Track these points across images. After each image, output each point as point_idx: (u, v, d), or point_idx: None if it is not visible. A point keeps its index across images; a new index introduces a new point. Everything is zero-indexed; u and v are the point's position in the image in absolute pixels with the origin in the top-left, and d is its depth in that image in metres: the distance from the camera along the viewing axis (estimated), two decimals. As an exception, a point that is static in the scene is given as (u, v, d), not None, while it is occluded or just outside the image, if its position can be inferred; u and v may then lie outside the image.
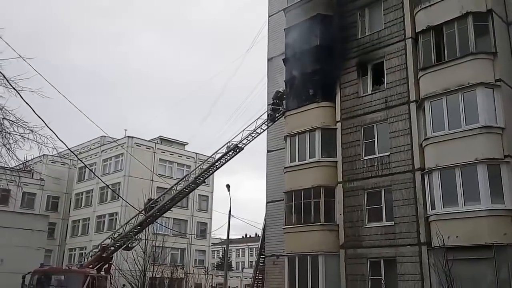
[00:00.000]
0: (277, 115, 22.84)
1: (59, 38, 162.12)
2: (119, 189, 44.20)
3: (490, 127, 15.97)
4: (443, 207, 16.21)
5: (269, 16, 26.04)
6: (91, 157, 50.23)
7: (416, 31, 18.63)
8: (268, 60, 25.44)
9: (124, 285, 21.60)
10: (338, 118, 20.60)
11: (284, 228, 20.98)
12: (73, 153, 20.85)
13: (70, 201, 51.51)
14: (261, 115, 23.49)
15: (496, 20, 17.20)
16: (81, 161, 39.94)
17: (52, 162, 50.26)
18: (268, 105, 23.63)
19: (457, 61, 16.99)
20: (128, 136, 47.65)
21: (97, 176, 42.98)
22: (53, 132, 10.56)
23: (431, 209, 16.68)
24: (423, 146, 17.52)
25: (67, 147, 12.77)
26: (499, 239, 14.90)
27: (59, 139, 11.16)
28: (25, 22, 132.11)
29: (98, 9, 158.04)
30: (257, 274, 31.00)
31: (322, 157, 20.49)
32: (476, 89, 16.33)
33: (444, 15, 17.61)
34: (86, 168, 44.26)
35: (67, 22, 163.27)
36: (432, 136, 17.12)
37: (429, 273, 16.17)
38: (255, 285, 31.11)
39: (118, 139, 47.19)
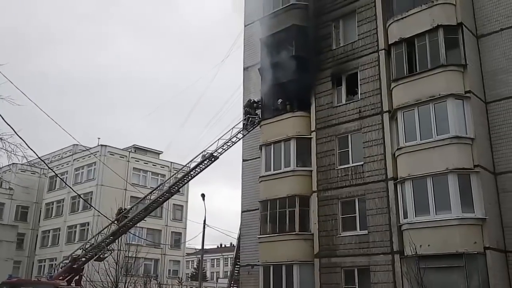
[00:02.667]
0: (254, 122, 22.85)
1: (39, 42, 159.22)
2: (91, 198, 43.42)
3: (460, 137, 16.34)
4: (415, 216, 16.46)
5: (245, 26, 26.12)
6: (62, 166, 49.25)
7: (389, 43, 18.99)
8: (244, 69, 25.50)
9: (95, 297, 21.13)
10: (313, 128, 20.76)
11: (259, 238, 20.93)
12: (44, 161, 20.35)
13: (40, 211, 50.31)
14: (237, 124, 23.48)
15: (466, 33, 17.69)
16: (51, 170, 39.03)
17: (21, 171, 49.04)
18: (243, 114, 23.65)
19: (428, 73, 17.37)
20: (101, 145, 46.95)
21: (68, 186, 42.14)
22: (23, 140, 10.33)
23: (404, 218, 16.91)
24: (395, 156, 17.79)
25: (37, 155, 12.48)
26: (470, 247, 15.20)
27: (29, 147, 10.91)
28: (3, 26, 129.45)
29: (76, 15, 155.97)
30: (232, 284, 30.79)
31: (297, 166, 20.57)
32: (447, 100, 16.72)
33: (416, 28, 18.02)
34: (57, 177, 43.27)
35: (49, 26, 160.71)
36: (405, 146, 17.40)
37: (402, 281, 16.33)
38: (229, 295, 30.88)
39: (91, 148, 46.43)
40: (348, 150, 19.56)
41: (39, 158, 14.07)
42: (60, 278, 21.16)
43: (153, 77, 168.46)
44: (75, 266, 22.41)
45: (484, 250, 15.29)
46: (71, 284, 21.65)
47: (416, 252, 15.11)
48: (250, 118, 22.73)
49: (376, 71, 19.15)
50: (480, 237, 15.44)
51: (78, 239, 43.08)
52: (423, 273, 14.68)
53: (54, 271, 24.31)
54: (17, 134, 10.08)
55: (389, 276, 16.87)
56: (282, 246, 19.62)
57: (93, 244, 23.41)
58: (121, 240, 23.21)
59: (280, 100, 21.93)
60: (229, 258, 76.77)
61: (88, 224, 42.50)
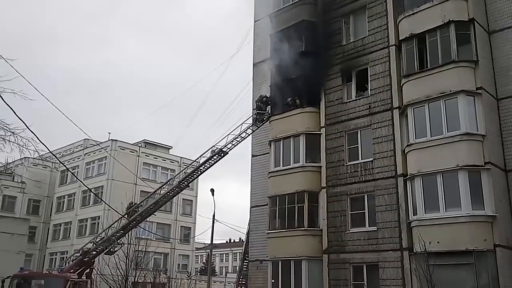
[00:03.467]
0: (264, 118, 22.87)
1: (45, 41, 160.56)
2: (102, 192, 43.74)
3: (471, 134, 16.21)
4: (425, 213, 16.40)
5: (254, 22, 26.11)
6: (73, 160, 49.65)
7: (400, 38, 18.87)
8: (254, 65, 25.49)
9: (105, 290, 21.40)
10: (322, 124, 20.73)
11: (267, 233, 20.98)
12: (55, 156, 20.61)
13: (52, 205, 50.80)
14: (246, 120, 23.50)
15: (478, 29, 17.51)
16: (63, 164, 39.43)
17: (33, 165, 49.60)
18: (253, 109, 23.68)
19: (439, 69, 17.24)
20: (112, 140, 47.23)
21: (79, 180, 42.49)
22: (35, 134, 10.47)
23: (413, 215, 16.85)
24: (405, 152, 17.71)
25: (48, 149, 12.64)
26: (479, 245, 15.11)
27: (41, 141, 11.05)
28: (12, 25, 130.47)
29: (85, 14, 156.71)
30: (240, 279, 30.91)
31: (306, 162, 20.57)
32: (458, 97, 16.58)
33: (427, 24, 17.88)
34: (69, 171, 43.66)
35: (55, 26, 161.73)
36: (415, 142, 17.32)
37: (410, 278, 16.31)
38: (238, 290, 31.02)
39: (102, 142, 46.72)
40: (357, 146, 19.52)
41: (50, 152, 14.26)
42: (71, 271, 21.39)
43: (160, 76, 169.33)
44: (85, 259, 22.64)
45: (494, 248, 15.20)
46: (82, 277, 21.90)
47: (425, 249, 15.05)
48: (260, 114, 22.75)
49: (387, 67, 19.05)
50: (490, 234, 15.35)
51: (89, 232, 43.46)
52: (432, 270, 14.63)
53: (65, 264, 24.58)
54: (29, 129, 10.22)
55: (398, 272, 16.85)
56: (290, 242, 19.67)
57: (103, 237, 23.64)
58: (131, 234, 23.40)
59: (290, 98, 21.91)
60: (238, 253, 76.99)
61: (99, 218, 42.89)
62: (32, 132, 10.36)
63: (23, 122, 10.41)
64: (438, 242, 15.47)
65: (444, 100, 16.85)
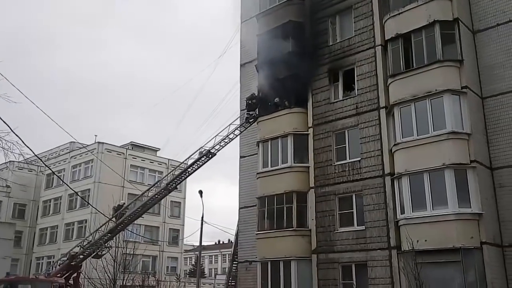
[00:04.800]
0: (250, 120, 22.85)
1: (33, 44, 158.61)
2: (88, 196, 43.36)
3: (456, 133, 16.37)
4: (412, 212, 16.51)
5: (241, 22, 26.08)
6: (59, 163, 49.15)
7: (386, 38, 18.98)
8: (241, 66, 25.47)
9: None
10: (310, 124, 20.77)
11: (256, 234, 20.95)
12: (40, 159, 20.36)
13: (38, 209, 50.23)
14: (234, 121, 23.49)
15: (463, 29, 17.70)
16: (48, 167, 38.90)
17: (18, 169, 49.01)
18: (241, 110, 23.66)
19: (424, 68, 17.38)
20: (99, 142, 46.85)
21: (65, 183, 41.99)
22: (19, 138, 10.33)
23: (401, 214, 16.96)
24: (392, 151, 17.82)
25: (33, 153, 12.48)
26: (466, 242, 15.25)
27: (25, 144, 10.92)
28: (2, 27, 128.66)
29: (73, 16, 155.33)
30: (230, 281, 30.82)
31: (294, 162, 20.59)
32: (443, 96, 16.74)
33: (413, 24, 18.01)
34: (54, 175, 43.17)
35: (41, 28, 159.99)
36: (401, 141, 17.43)
37: (399, 276, 16.40)
38: (227, 291, 30.94)
39: (88, 145, 46.34)
40: (345, 146, 19.59)
41: (35, 155, 14.06)
42: (58, 275, 21.18)
43: (150, 78, 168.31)
44: (73, 263, 22.42)
45: (481, 245, 15.36)
46: (69, 282, 21.66)
47: (413, 247, 15.15)
48: (249, 113, 22.71)
49: (373, 67, 19.15)
50: (477, 232, 15.51)
51: (76, 236, 43.08)
52: (420, 268, 14.73)
53: (52, 269, 24.31)
54: (14, 132, 10.09)
55: (387, 271, 16.94)
56: (279, 242, 19.66)
57: (90, 241, 23.43)
58: (118, 237, 23.21)
59: (277, 99, 21.92)
60: (227, 255, 76.75)
61: (86, 222, 42.45)
62: (17, 136, 10.23)
63: (8, 125, 10.28)
64: (425, 241, 15.58)
65: (430, 100, 16.99)
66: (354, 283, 17.57)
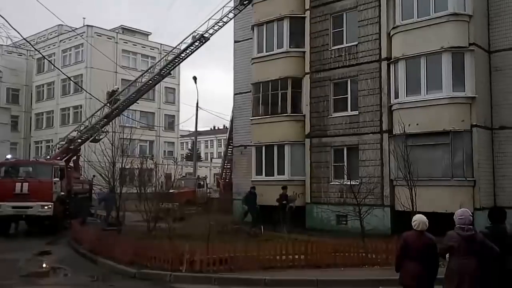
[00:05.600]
0: (245, 1, 21.87)
1: None
2: (81, 81, 42.96)
3: (458, 14, 15.85)
4: (406, 96, 16.60)
5: None
6: (49, 47, 47.94)
7: None
8: None
9: (94, 176, 21.89)
10: (307, 6, 19.96)
11: (251, 120, 21.23)
12: (29, 42, 19.76)
13: (31, 94, 50.06)
14: (228, 3, 22.51)
15: None
16: (37, 51, 37.81)
17: (8, 53, 47.83)
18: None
19: None
20: (87, 25, 45.28)
21: (56, 67, 41.26)
22: (5, 19, 9.87)
23: (395, 98, 17.07)
24: (391, 35, 17.40)
25: (21, 35, 12.09)
26: (457, 125, 15.56)
27: (12, 27, 10.54)
28: None
29: None
30: (225, 164, 32.00)
31: (290, 47, 20.16)
32: (448, -25, 15.89)
33: None
34: (45, 59, 42.25)
35: None
36: (401, 24, 16.94)
37: (388, 158, 16.99)
38: (223, 173, 32.31)
39: (77, 28, 44.81)
40: (342, 30, 19.06)
41: (23, 38, 13.64)
42: (58, 158, 21.75)
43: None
44: (71, 147, 22.94)
45: (471, 128, 15.66)
46: (69, 164, 22.34)
47: (404, 131, 15.46)
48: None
49: None
50: (468, 115, 15.70)
51: (72, 121, 43.50)
52: (409, 150, 15.17)
53: (52, 152, 24.93)
54: (-2, 13, 9.59)
55: (377, 153, 17.52)
56: (274, 127, 20.00)
57: (87, 126, 23.75)
58: (114, 122, 23.43)
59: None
60: (222, 140, 78.74)
61: (81, 107, 42.68)
62: (3, 17, 9.79)
63: (-10, 5, 9.74)
64: (417, 124, 15.88)
65: (434, -21, 16.15)
66: (345, 164, 18.23)
